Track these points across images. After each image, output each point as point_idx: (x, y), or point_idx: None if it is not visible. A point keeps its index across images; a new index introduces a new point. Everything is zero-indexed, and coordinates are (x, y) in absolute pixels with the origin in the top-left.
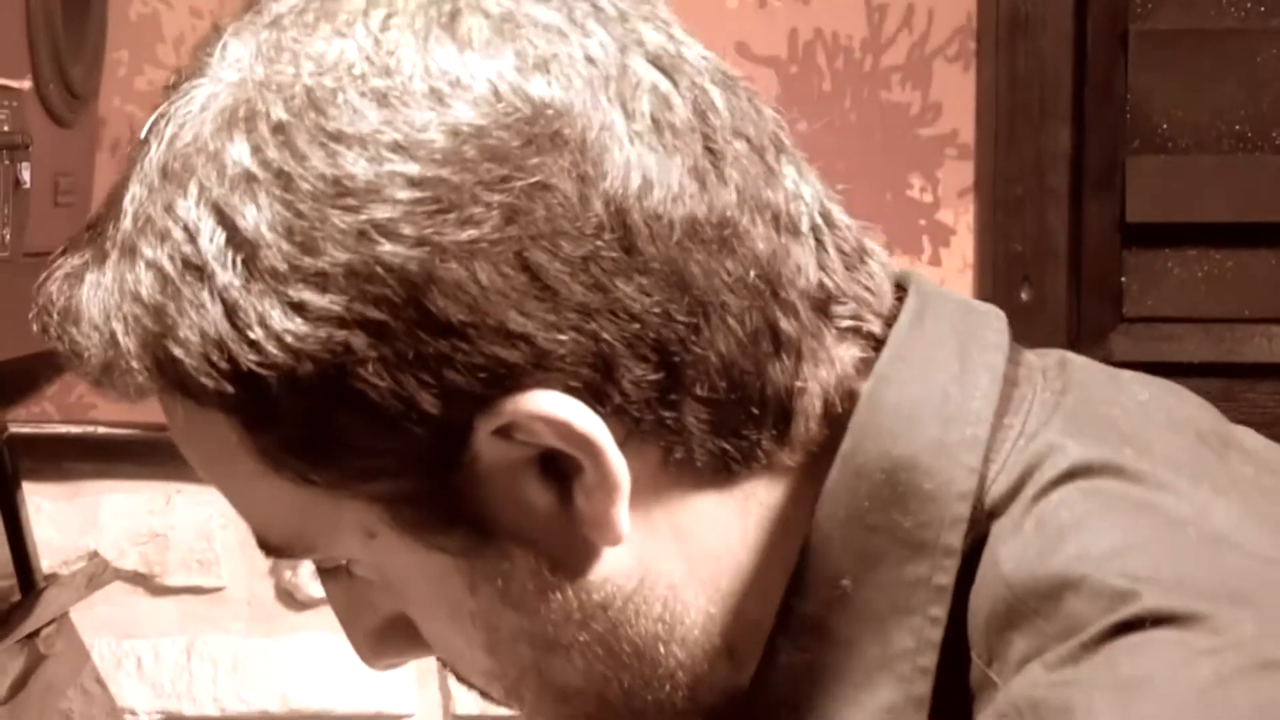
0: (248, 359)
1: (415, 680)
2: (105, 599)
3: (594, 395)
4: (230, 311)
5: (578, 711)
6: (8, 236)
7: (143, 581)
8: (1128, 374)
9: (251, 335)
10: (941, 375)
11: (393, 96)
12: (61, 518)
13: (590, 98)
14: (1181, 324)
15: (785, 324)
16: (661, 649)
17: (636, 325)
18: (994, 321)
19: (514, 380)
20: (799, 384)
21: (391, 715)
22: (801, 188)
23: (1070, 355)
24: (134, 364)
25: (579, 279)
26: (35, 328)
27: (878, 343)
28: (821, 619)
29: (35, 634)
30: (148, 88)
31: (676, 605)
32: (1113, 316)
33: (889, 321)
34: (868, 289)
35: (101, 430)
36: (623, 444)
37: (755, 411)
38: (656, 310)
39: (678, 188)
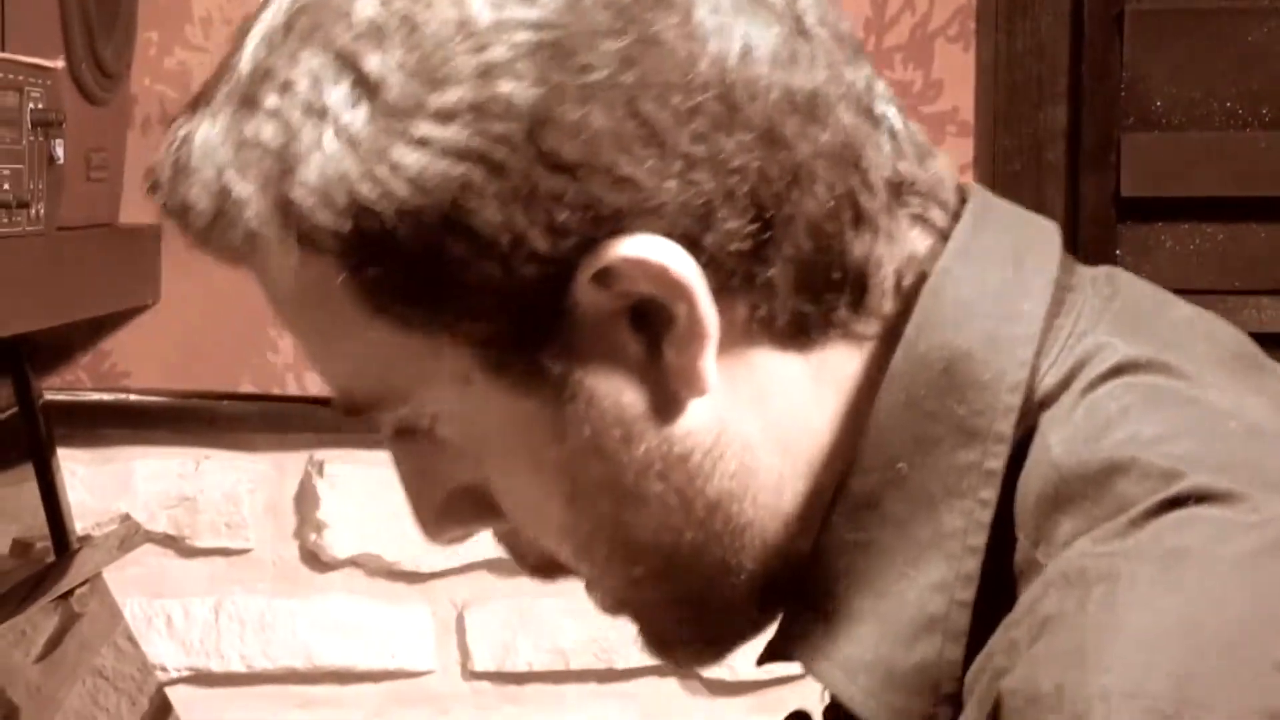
0: (367, 194)
1: (435, 639)
2: (136, 560)
3: (690, 245)
4: (352, 148)
5: (646, 571)
6: (42, 210)
7: (173, 543)
8: (1170, 294)
9: (373, 170)
10: (998, 276)
11: None
12: (94, 482)
13: None
14: (1174, 295)
15: (865, 199)
16: (735, 506)
17: (735, 179)
18: (1049, 231)
19: (618, 223)
20: (875, 256)
21: (412, 671)
22: (874, 84)
23: (1118, 270)
24: (246, 212)
25: (685, 130)
26: (147, 191)
27: (943, 236)
28: (877, 499)
29: (69, 594)
30: (177, 67)
31: (751, 464)
32: None
33: (954, 219)
34: (936, 183)
35: (133, 398)
36: (713, 296)
37: (836, 277)
38: (755, 166)
39: (774, 57)
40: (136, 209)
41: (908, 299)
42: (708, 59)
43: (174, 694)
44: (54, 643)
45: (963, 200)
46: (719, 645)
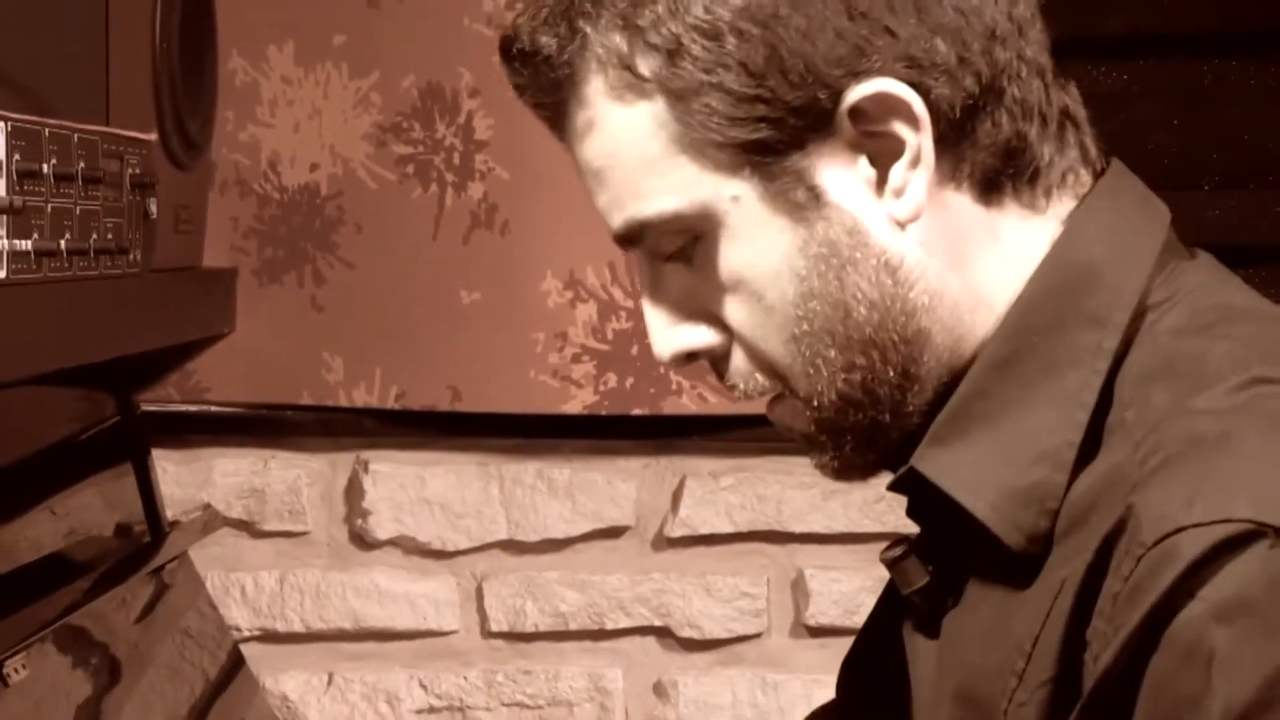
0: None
1: (459, 605)
2: (216, 541)
3: (924, 94)
4: None
5: (851, 367)
6: (139, 256)
7: (245, 527)
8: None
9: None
10: (1135, 212)
11: None
12: (182, 478)
13: None
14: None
15: (1048, 110)
16: (923, 318)
17: (967, 54)
18: (1163, 207)
19: (878, 64)
20: (1048, 154)
21: (439, 631)
22: (1042, 57)
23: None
24: (597, 49)
25: (945, 6)
26: (500, 51)
27: (1093, 171)
28: (1013, 360)
29: (162, 569)
30: (249, 140)
31: (939, 286)
32: None
33: (1104, 161)
34: (1090, 135)
35: (214, 409)
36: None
37: (1021, 156)
38: (978, 49)
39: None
40: (216, 255)
41: (1060, 205)
42: None
43: (246, 650)
44: (149, 608)
45: (1106, 155)
46: (877, 460)
